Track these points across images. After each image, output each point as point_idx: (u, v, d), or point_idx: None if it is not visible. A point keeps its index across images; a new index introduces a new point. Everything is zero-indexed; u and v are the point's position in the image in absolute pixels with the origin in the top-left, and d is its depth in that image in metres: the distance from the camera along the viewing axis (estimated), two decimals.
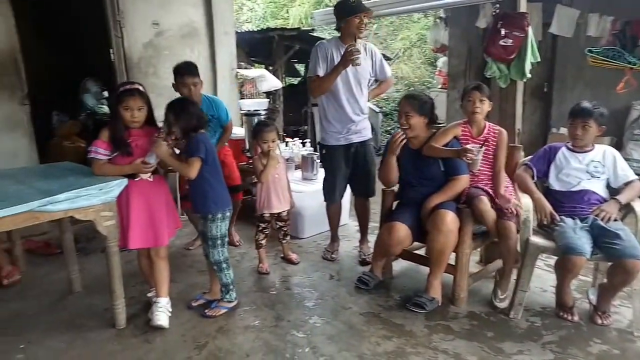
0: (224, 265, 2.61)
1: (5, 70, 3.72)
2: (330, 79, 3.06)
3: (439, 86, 9.10)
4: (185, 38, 4.88)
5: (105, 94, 6.18)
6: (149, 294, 2.71)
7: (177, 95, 3.13)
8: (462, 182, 2.73)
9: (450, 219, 2.58)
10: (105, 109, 5.95)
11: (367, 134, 3.32)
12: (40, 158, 4.10)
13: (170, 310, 2.59)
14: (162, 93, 4.72)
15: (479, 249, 3.17)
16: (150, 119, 2.48)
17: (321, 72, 3.11)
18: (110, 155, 2.39)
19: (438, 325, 2.52)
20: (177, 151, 2.54)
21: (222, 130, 3.42)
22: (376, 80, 3.40)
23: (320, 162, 3.59)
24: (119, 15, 4.30)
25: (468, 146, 2.61)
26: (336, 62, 3.01)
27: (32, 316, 2.67)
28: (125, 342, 2.40)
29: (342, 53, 2.95)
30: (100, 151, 2.37)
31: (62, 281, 3.01)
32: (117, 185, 2.31)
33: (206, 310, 2.63)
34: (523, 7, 3.96)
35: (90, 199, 2.22)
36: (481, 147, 2.64)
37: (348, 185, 3.44)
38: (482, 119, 2.77)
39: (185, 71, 3.13)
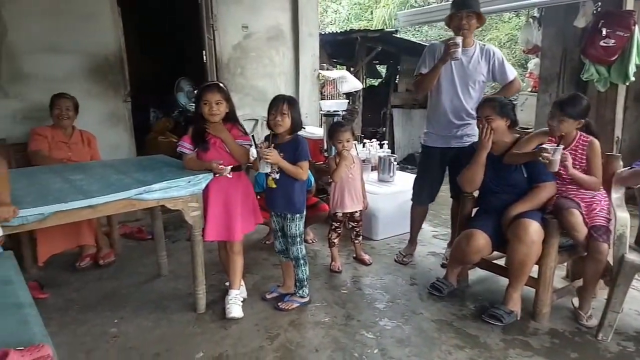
0: (302, 262, 2.68)
1: (112, 71, 4.11)
2: (430, 76, 3.03)
3: (529, 89, 8.61)
4: (272, 40, 5.07)
5: (196, 92, 6.59)
6: (227, 283, 2.85)
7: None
8: (548, 189, 2.57)
9: (534, 229, 2.43)
10: None
11: (472, 141, 3.10)
12: (138, 151, 4.47)
13: (243, 300, 2.71)
14: (248, 93, 4.98)
15: (565, 263, 2.96)
16: (231, 117, 2.58)
17: (424, 70, 3.09)
18: (194, 150, 2.55)
19: (515, 340, 2.40)
20: (254, 151, 2.62)
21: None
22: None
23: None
24: (212, 19, 4.58)
25: (544, 145, 2.44)
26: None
27: (125, 295, 2.93)
28: (204, 326, 2.55)
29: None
30: (185, 145, 2.55)
31: (151, 265, 3.27)
32: (203, 179, 2.46)
33: (279, 303, 2.72)
34: (630, 4, 3.65)
35: (180, 190, 2.40)
36: (558, 146, 2.42)
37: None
38: (564, 133, 2.55)
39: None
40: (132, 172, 2.59)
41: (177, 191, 2.39)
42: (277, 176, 2.56)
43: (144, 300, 2.84)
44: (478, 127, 2.71)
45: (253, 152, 2.64)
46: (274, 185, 2.58)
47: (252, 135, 2.62)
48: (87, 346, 2.36)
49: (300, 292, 2.73)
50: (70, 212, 2.05)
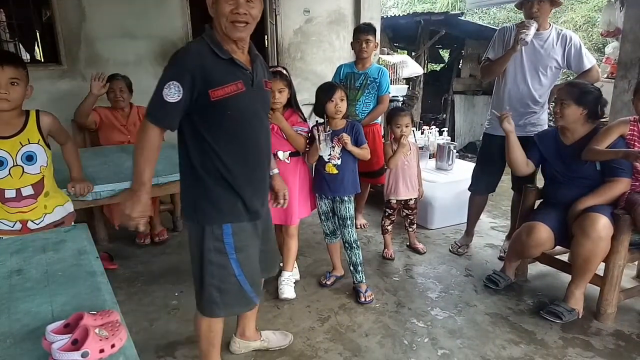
0: (354, 245, 2.69)
1: None
2: (498, 63, 2.91)
3: (605, 75, 8.01)
4: (332, 24, 5.05)
5: None
6: (281, 264, 2.92)
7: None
8: (622, 185, 2.40)
9: (602, 224, 2.29)
10: None
11: (536, 132, 2.90)
12: None
13: (295, 282, 2.77)
14: (307, 77, 5.01)
15: (636, 262, 2.78)
16: (292, 103, 2.59)
17: (492, 55, 2.99)
18: None
19: (575, 339, 2.29)
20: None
21: (377, 101, 3.41)
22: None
23: None
24: (275, 4, 4.63)
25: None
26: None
27: (185, 270, 3.04)
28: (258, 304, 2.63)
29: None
30: None
31: None
32: None
33: (360, 299, 2.64)
34: None
35: None
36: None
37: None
38: None
39: (361, 29, 3.42)
40: None
41: None
42: (339, 162, 2.57)
43: None
44: (554, 110, 2.55)
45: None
46: (336, 171, 2.58)
47: (317, 121, 2.62)
48: (151, 315, 2.52)
49: (359, 277, 2.72)
50: None
